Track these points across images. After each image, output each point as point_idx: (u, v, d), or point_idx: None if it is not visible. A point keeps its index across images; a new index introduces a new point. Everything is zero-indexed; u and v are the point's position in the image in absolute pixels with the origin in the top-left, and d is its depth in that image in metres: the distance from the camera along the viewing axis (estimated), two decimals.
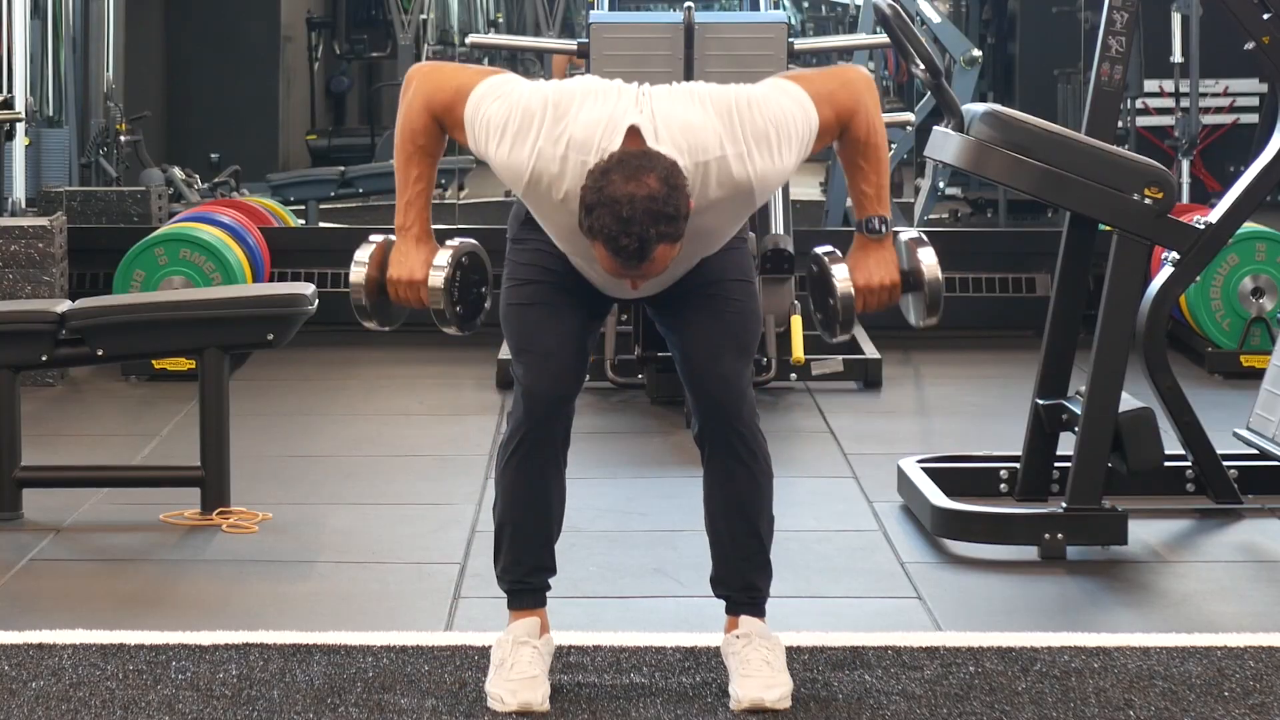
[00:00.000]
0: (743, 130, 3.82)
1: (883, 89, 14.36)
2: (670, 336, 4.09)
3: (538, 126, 3.81)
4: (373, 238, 4.09)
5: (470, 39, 8.87)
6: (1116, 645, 4.37)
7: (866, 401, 7.53)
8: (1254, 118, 12.10)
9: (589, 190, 3.70)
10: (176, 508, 5.63)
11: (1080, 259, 5.54)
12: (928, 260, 4.07)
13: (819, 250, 4.12)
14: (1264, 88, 12.05)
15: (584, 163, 3.77)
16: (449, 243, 4.04)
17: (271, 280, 8.51)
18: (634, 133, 3.78)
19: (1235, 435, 5.95)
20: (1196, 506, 5.65)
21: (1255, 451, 5.83)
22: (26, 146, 9.85)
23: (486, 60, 16.48)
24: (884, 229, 4.03)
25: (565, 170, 3.79)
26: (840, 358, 7.74)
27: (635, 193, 3.66)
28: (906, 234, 4.14)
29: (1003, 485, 5.69)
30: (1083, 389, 5.29)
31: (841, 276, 4.02)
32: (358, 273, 4.05)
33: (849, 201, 11.33)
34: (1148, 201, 5.17)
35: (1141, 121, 11.64)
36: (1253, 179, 5.46)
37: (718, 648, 4.16)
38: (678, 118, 3.81)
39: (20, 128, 9.62)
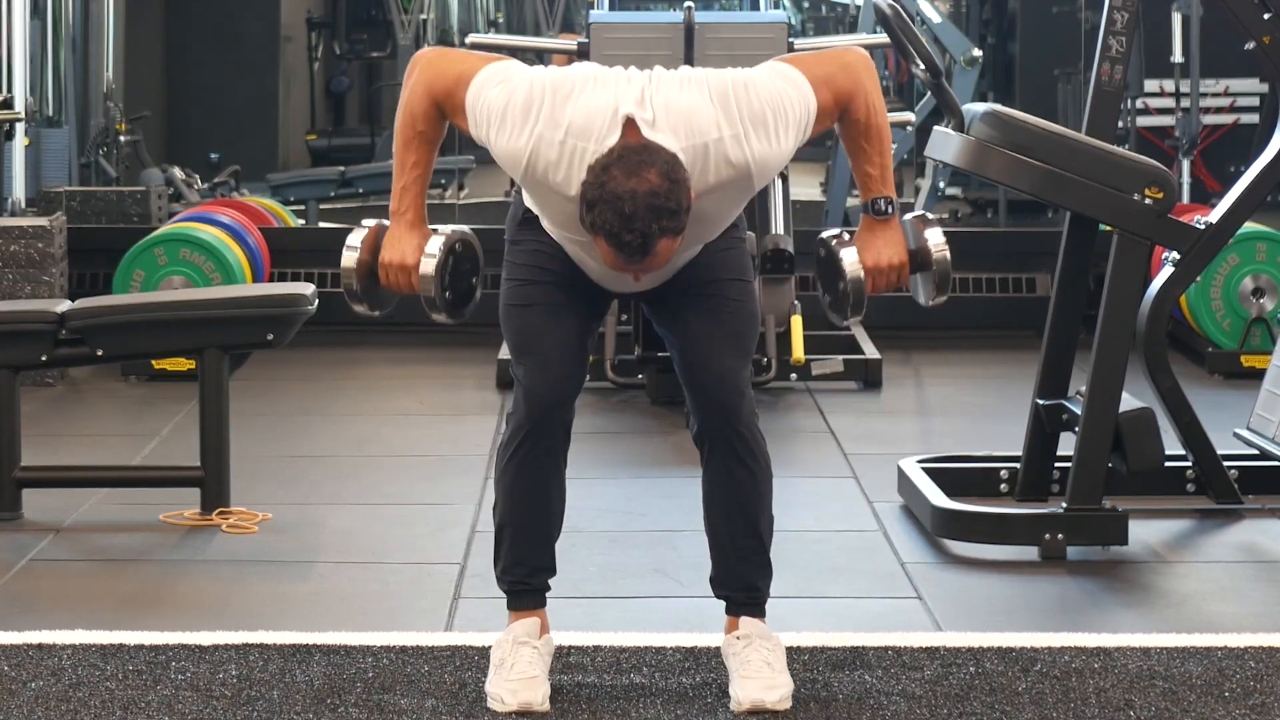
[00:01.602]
0: (739, 113, 3.81)
1: (883, 89, 14.36)
2: (668, 337, 4.08)
3: (537, 111, 3.81)
4: (366, 222, 4.09)
5: (470, 39, 8.86)
6: (1117, 645, 4.37)
7: (866, 401, 7.53)
8: (1254, 118, 12.10)
9: (590, 186, 3.70)
10: (176, 508, 5.63)
11: (1080, 259, 5.54)
12: (935, 239, 4.08)
13: (825, 234, 4.12)
14: (1264, 88, 12.05)
15: (584, 149, 3.76)
16: (442, 229, 4.03)
17: (271, 280, 8.51)
18: (631, 124, 3.78)
19: (1235, 435, 5.94)
20: (1197, 507, 5.65)
21: (1255, 452, 5.83)
22: (26, 146, 9.85)
23: None
24: (890, 209, 4.02)
25: (564, 155, 3.78)
26: (840, 358, 7.74)
27: (636, 188, 3.66)
28: (912, 213, 4.14)
29: (1003, 485, 5.69)
30: (1083, 389, 5.29)
31: (850, 259, 4.02)
32: (349, 256, 4.05)
33: (849, 201, 11.41)
34: (1148, 201, 5.17)
35: (1142, 121, 11.63)
36: (1253, 179, 5.46)
37: (718, 648, 4.15)
38: (675, 103, 3.80)
39: (20, 128, 9.61)
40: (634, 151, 3.70)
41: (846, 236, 4.07)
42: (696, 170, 3.78)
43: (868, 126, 3.96)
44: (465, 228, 4.08)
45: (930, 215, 4.14)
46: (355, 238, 4.07)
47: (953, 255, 4.11)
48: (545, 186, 3.85)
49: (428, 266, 3.98)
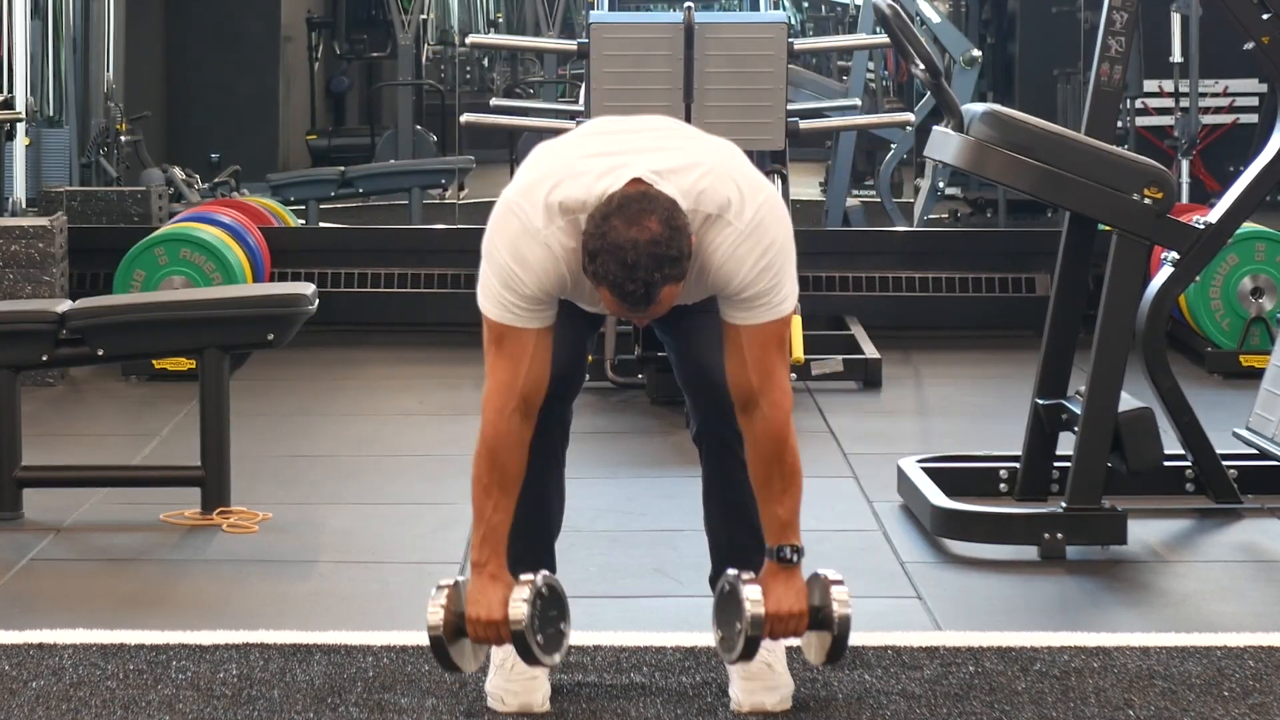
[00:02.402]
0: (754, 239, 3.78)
1: (883, 89, 14.36)
2: (667, 339, 4.08)
3: (527, 234, 3.76)
4: (443, 581, 3.94)
5: (470, 39, 8.89)
6: (1116, 645, 4.37)
7: (866, 401, 7.54)
8: (1254, 118, 12.11)
9: (590, 236, 3.67)
10: (176, 508, 5.63)
11: (1080, 259, 5.54)
12: (840, 599, 3.90)
13: (731, 571, 3.95)
14: (1264, 88, 12.06)
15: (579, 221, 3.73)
16: (524, 578, 3.87)
17: (271, 280, 8.51)
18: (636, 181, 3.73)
19: (1235, 435, 5.95)
20: (1196, 506, 5.65)
21: (1255, 451, 5.83)
22: (27, 146, 9.86)
23: (486, 60, 16.52)
24: (795, 558, 3.90)
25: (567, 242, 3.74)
26: (840, 358, 7.75)
27: (638, 238, 3.62)
28: (828, 572, 3.96)
29: (1002, 485, 5.69)
30: (1082, 389, 5.29)
31: (753, 599, 3.85)
32: (435, 614, 3.90)
33: (850, 201, 11.41)
34: (1147, 201, 5.17)
35: (1141, 121, 11.65)
36: (1252, 179, 5.46)
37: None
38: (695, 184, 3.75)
39: (21, 128, 9.63)
40: (634, 200, 3.66)
41: (749, 576, 3.91)
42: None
43: (781, 458, 3.88)
44: (545, 573, 3.93)
45: (835, 575, 3.93)
46: (437, 598, 3.91)
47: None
48: (572, 283, 3.80)
49: (518, 621, 3.82)
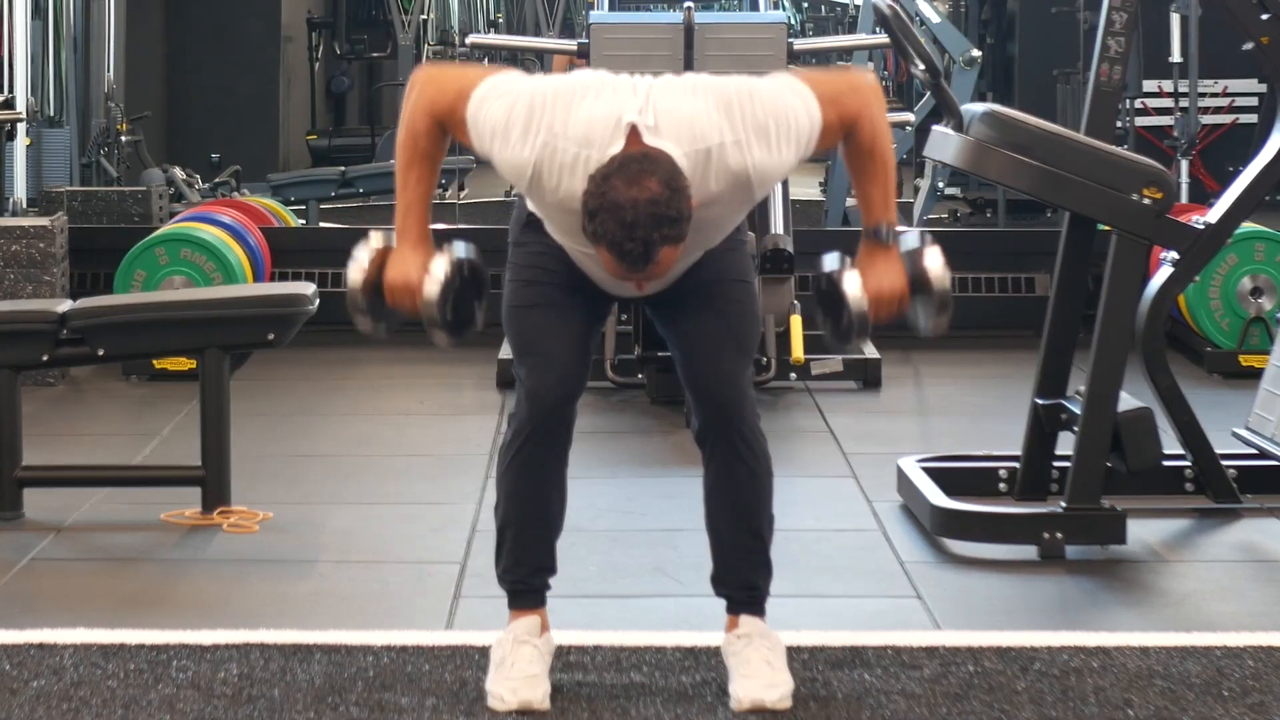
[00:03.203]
0: (742, 120, 3.81)
1: (883, 89, 14.38)
2: (670, 337, 4.09)
3: (539, 122, 3.81)
4: (373, 235, 4.06)
5: (470, 39, 8.88)
6: (1116, 644, 4.37)
7: (866, 401, 7.54)
8: (1253, 118, 12.12)
9: (590, 195, 3.70)
10: (177, 507, 5.64)
11: (1079, 259, 5.54)
12: (934, 265, 4.04)
13: (827, 266, 4.06)
14: (1263, 88, 12.07)
15: (587, 157, 3.76)
16: (446, 247, 4.00)
17: (271, 280, 8.51)
18: (634, 131, 3.78)
19: (1234, 435, 5.95)
20: (1195, 506, 5.65)
21: (1254, 451, 5.84)
22: (27, 146, 9.87)
23: (486, 60, 16.51)
24: (890, 237, 4.00)
25: (567, 164, 3.79)
26: (840, 358, 7.75)
27: (638, 197, 3.66)
28: (912, 238, 4.10)
29: (1002, 485, 5.69)
30: (1082, 389, 5.29)
31: (853, 288, 3.98)
32: (355, 272, 4.03)
33: (849, 201, 11.40)
34: (1147, 201, 5.17)
35: (1141, 121, 11.66)
36: (1252, 179, 5.46)
37: (718, 647, 4.16)
38: (678, 109, 3.81)
39: (21, 128, 9.64)
40: (634, 160, 3.70)
41: (847, 263, 4.03)
42: (698, 177, 3.78)
43: (872, 151, 3.94)
44: (471, 247, 4.04)
45: (930, 238, 4.10)
46: (361, 254, 4.03)
47: (953, 255, 4.10)
48: (550, 197, 3.85)
49: (431, 289, 3.95)
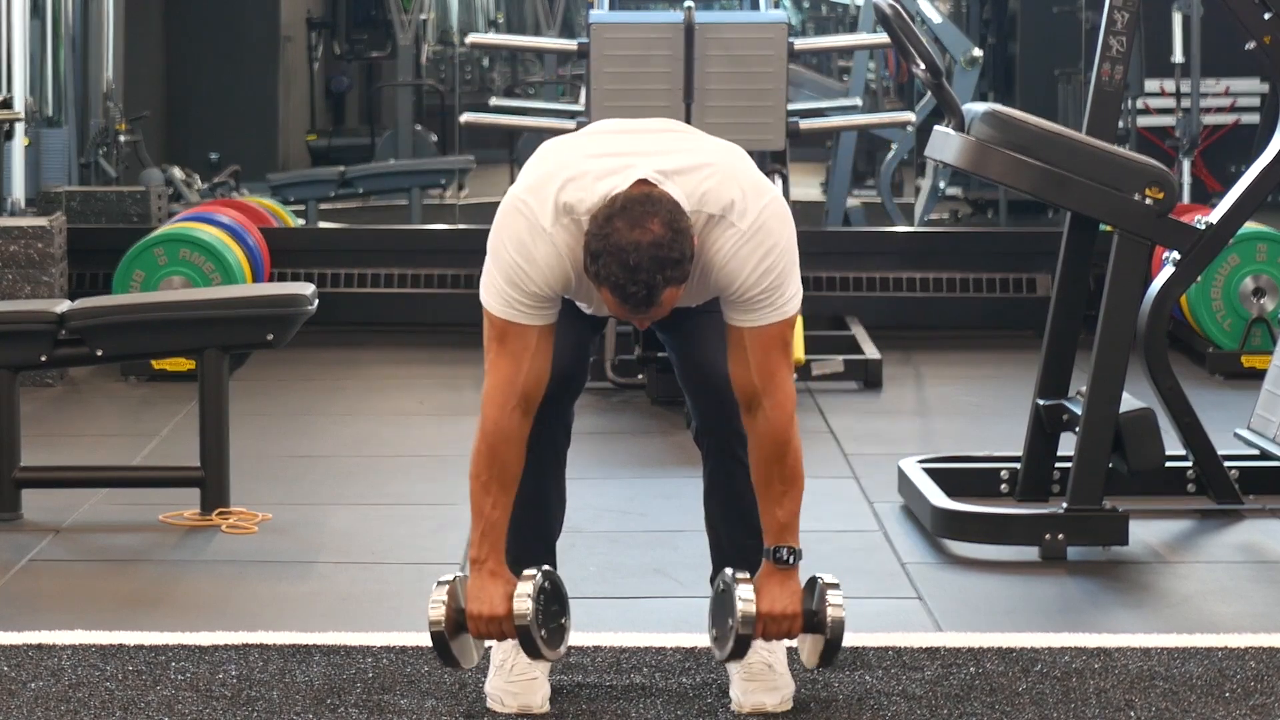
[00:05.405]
0: (757, 238, 3.77)
1: (883, 89, 14.36)
2: (668, 339, 4.08)
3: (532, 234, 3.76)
4: (443, 578, 3.94)
5: (470, 39, 8.88)
6: (1117, 646, 4.37)
7: (866, 401, 7.53)
8: (1255, 118, 12.11)
9: (593, 237, 3.66)
10: (176, 508, 5.63)
11: (1081, 259, 5.54)
12: (834, 603, 3.91)
13: (728, 570, 3.95)
14: (1265, 87, 12.06)
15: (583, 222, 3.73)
16: (526, 572, 3.87)
17: (271, 280, 8.51)
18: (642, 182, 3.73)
19: (1236, 436, 5.94)
20: (1197, 507, 5.65)
21: (1256, 452, 5.83)
22: (26, 146, 9.85)
23: (486, 60, 16.52)
24: (792, 560, 3.91)
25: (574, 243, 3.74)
26: (840, 358, 7.75)
27: (640, 239, 3.62)
28: (825, 576, 3.96)
29: (1003, 486, 5.69)
30: (1083, 389, 5.29)
31: (746, 605, 3.86)
32: (436, 610, 3.89)
33: (850, 201, 11.40)
34: (1148, 201, 5.16)
35: (1142, 121, 11.64)
36: (1254, 179, 5.45)
37: None
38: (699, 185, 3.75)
39: (20, 128, 9.61)
40: (637, 202, 3.66)
41: (743, 575, 3.91)
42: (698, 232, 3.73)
43: (783, 458, 3.86)
44: (546, 567, 3.93)
45: (831, 579, 3.94)
46: (437, 594, 3.90)
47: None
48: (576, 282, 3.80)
49: (523, 616, 3.82)
